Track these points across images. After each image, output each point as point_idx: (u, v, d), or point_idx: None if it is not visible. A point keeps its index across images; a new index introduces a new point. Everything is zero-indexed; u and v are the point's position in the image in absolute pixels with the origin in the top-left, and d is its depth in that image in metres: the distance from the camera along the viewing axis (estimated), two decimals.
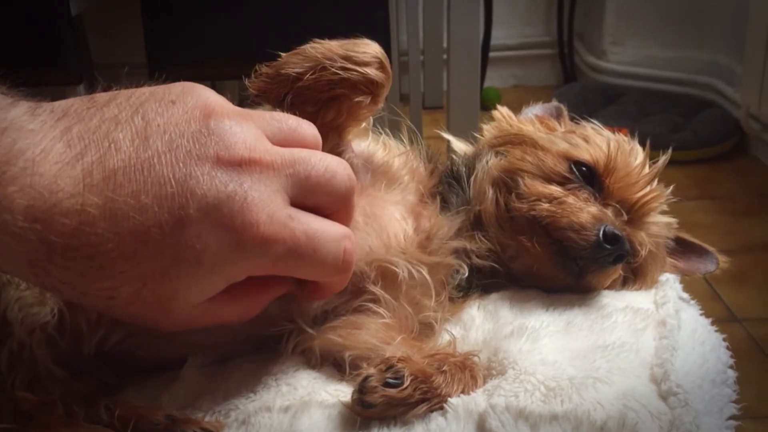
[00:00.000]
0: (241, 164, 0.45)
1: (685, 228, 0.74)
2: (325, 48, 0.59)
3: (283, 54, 0.59)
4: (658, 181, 0.70)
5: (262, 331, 0.59)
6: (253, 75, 0.59)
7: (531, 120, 0.78)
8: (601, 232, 0.63)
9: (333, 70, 0.58)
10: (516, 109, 0.81)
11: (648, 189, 0.68)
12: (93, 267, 0.43)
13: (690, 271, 0.74)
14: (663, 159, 0.71)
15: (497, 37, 3.09)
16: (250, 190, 0.45)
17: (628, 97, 2.91)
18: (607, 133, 0.73)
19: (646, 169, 0.69)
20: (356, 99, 0.59)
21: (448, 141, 0.77)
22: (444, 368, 0.54)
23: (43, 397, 0.52)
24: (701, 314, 0.67)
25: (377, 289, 0.60)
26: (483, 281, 0.67)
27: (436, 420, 0.51)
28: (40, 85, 1.37)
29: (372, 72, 0.59)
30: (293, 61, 0.59)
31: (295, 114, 0.53)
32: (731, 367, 0.62)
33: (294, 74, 0.58)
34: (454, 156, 0.75)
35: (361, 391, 0.51)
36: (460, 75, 1.70)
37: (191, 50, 1.64)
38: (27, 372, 0.53)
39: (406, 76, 2.66)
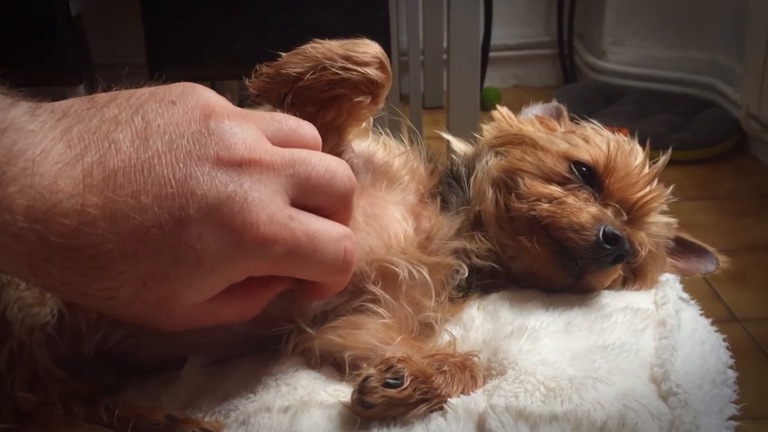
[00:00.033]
0: (241, 164, 0.45)
1: (685, 228, 0.74)
2: (325, 48, 0.59)
3: (283, 54, 0.59)
4: (658, 181, 0.70)
5: (262, 331, 0.59)
6: (253, 75, 0.59)
7: (531, 120, 0.78)
8: (601, 232, 0.63)
9: (333, 70, 0.58)
10: (516, 110, 0.81)
11: (648, 189, 0.68)
12: (93, 267, 0.43)
13: (690, 271, 0.74)
14: (663, 159, 0.71)
15: (497, 37, 3.09)
16: (250, 190, 0.45)
17: (628, 97, 2.91)
18: (606, 133, 0.73)
19: (646, 169, 0.69)
20: (356, 99, 0.59)
21: (448, 141, 0.77)
22: (444, 368, 0.54)
23: (42, 397, 0.52)
24: (701, 314, 0.67)
25: (377, 289, 0.60)
26: (483, 281, 0.67)
27: (436, 420, 0.51)
28: (40, 86, 1.37)
29: (372, 72, 0.59)
30: (293, 61, 0.59)
31: (295, 114, 0.53)
32: (731, 367, 0.62)
33: (294, 74, 0.58)
34: (453, 156, 0.75)
35: (361, 391, 0.51)
36: (460, 75, 1.70)
37: (191, 50, 1.64)
38: (27, 372, 0.53)
39: (406, 76, 2.66)
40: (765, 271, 1.96)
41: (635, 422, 0.49)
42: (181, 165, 0.44)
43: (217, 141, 0.45)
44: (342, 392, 0.54)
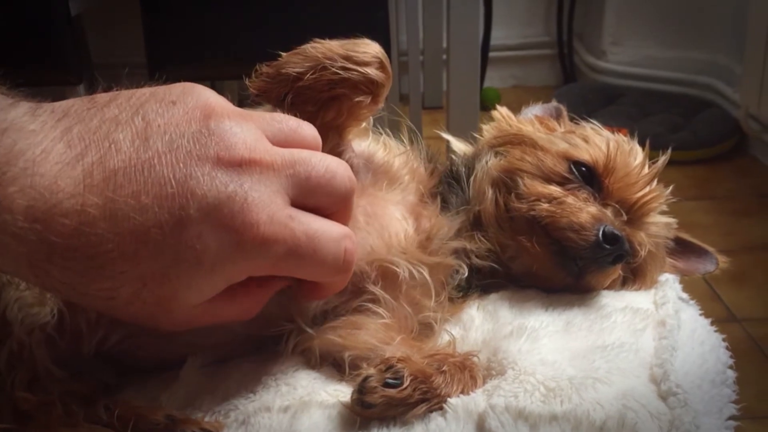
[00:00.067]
0: (241, 165, 0.45)
1: (685, 228, 0.74)
2: (325, 48, 0.59)
3: (283, 54, 0.60)
4: (658, 181, 0.70)
5: (262, 331, 0.59)
6: (253, 75, 0.59)
7: (530, 120, 0.78)
8: (601, 232, 0.63)
9: (333, 69, 0.58)
10: (515, 110, 0.81)
11: (647, 189, 0.68)
12: (93, 267, 0.43)
13: (689, 271, 0.74)
14: (662, 159, 0.71)
15: (497, 37, 3.09)
16: (250, 190, 0.45)
17: (628, 98, 2.91)
18: (606, 133, 0.73)
19: (646, 170, 0.69)
20: (356, 99, 0.59)
21: (448, 141, 0.77)
22: (443, 368, 0.54)
23: (42, 397, 0.52)
24: (701, 314, 0.67)
25: (377, 289, 0.60)
26: (482, 281, 0.67)
27: (436, 420, 0.51)
28: (40, 85, 1.37)
29: (372, 72, 0.59)
30: (294, 61, 0.59)
31: (295, 114, 0.53)
32: (731, 367, 0.62)
33: (294, 74, 0.58)
34: (453, 156, 0.75)
35: (361, 391, 0.51)
36: (460, 75, 1.71)
37: (191, 50, 1.64)
38: (26, 372, 0.53)
39: (405, 77, 2.66)
40: (764, 271, 1.96)
41: (635, 422, 0.49)
42: (181, 165, 0.44)
43: (218, 141, 0.45)
44: (342, 392, 0.54)
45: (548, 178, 0.67)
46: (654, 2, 2.96)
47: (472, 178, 0.70)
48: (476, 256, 0.66)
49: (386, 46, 0.62)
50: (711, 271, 0.74)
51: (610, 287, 0.67)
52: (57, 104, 0.45)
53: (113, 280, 0.44)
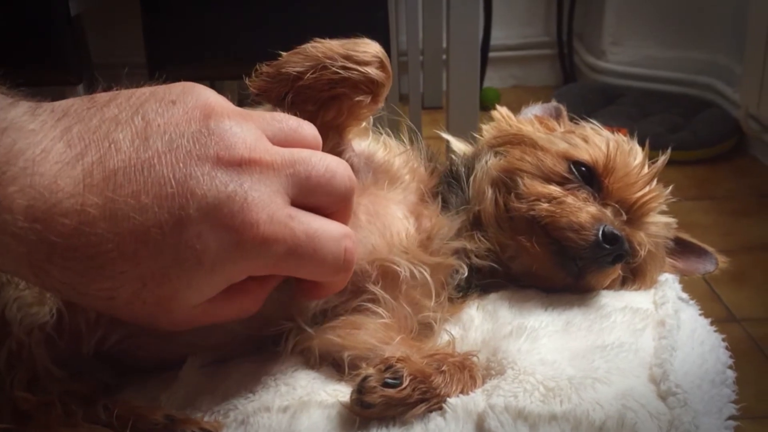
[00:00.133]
0: (241, 164, 0.45)
1: (684, 228, 0.74)
2: (325, 47, 0.59)
3: (283, 53, 0.60)
4: (658, 181, 0.70)
5: (262, 330, 0.59)
6: (253, 74, 0.59)
7: (530, 120, 0.78)
8: (600, 232, 0.63)
9: (334, 69, 0.58)
10: (515, 110, 0.81)
11: (647, 189, 0.68)
12: (93, 267, 0.43)
13: (689, 271, 0.74)
14: (662, 159, 0.71)
15: (497, 37, 3.09)
16: (250, 190, 0.45)
17: (628, 98, 2.91)
18: (606, 133, 0.73)
19: (646, 169, 0.69)
20: (357, 98, 0.59)
21: (448, 141, 0.77)
22: (443, 368, 0.54)
23: (41, 396, 0.52)
24: (700, 314, 0.67)
25: (377, 289, 0.60)
26: (482, 281, 0.67)
27: (435, 420, 0.51)
28: (40, 86, 1.37)
29: (373, 71, 0.59)
30: (294, 60, 0.59)
31: (295, 113, 0.53)
32: (730, 367, 0.62)
33: (295, 73, 0.58)
34: (453, 156, 0.75)
35: (360, 391, 0.51)
36: (460, 75, 1.71)
37: (191, 50, 1.64)
38: (26, 372, 0.53)
39: (405, 76, 2.66)
40: (764, 271, 1.96)
41: (634, 422, 0.49)
42: (181, 165, 0.44)
43: (217, 141, 0.45)
44: (341, 392, 0.54)
45: (548, 178, 0.67)
46: (654, 2, 2.96)
47: (471, 178, 0.70)
48: (476, 256, 0.66)
49: (386, 46, 0.62)
50: (710, 271, 0.74)
51: (609, 287, 0.67)
52: (57, 104, 0.45)
53: (113, 280, 0.44)
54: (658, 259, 0.70)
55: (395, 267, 0.60)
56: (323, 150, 0.51)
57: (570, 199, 0.65)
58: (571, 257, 0.64)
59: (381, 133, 0.69)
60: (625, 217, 0.67)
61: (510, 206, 0.67)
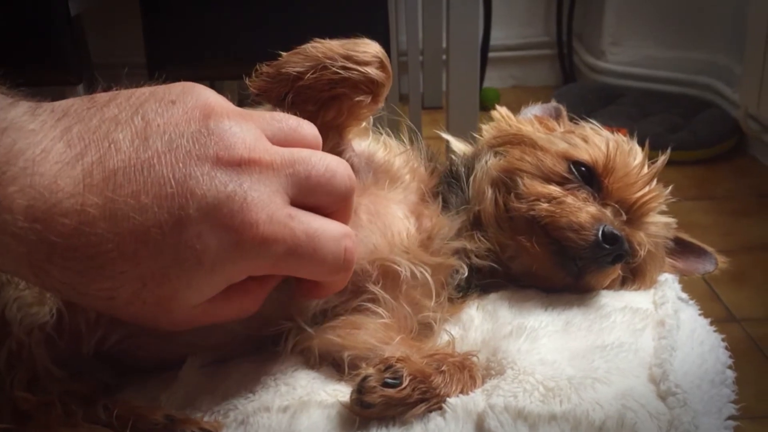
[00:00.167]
0: (240, 164, 0.45)
1: (684, 228, 0.74)
2: (325, 47, 0.59)
3: (283, 53, 0.60)
4: (657, 181, 0.70)
5: (262, 330, 0.59)
6: (253, 74, 0.60)
7: (530, 120, 0.78)
8: (600, 232, 0.63)
9: (334, 69, 0.58)
10: (515, 110, 0.81)
11: (647, 189, 0.68)
12: (93, 267, 0.43)
13: (689, 271, 0.74)
14: (662, 159, 0.71)
15: (496, 37, 3.09)
16: (249, 190, 0.45)
17: (627, 98, 2.91)
18: (606, 133, 0.73)
19: (645, 169, 0.69)
20: (357, 98, 0.59)
21: (447, 141, 0.77)
22: (443, 368, 0.54)
23: (41, 396, 0.52)
24: (700, 314, 0.67)
25: (377, 289, 0.60)
26: (482, 281, 0.67)
27: (435, 420, 0.51)
28: (40, 86, 1.37)
29: (373, 71, 0.59)
30: (294, 61, 0.59)
31: (295, 113, 0.53)
32: (730, 367, 0.62)
33: (295, 73, 0.58)
34: (453, 156, 0.75)
35: (360, 391, 0.51)
36: (459, 75, 1.71)
37: (191, 50, 1.64)
38: (26, 372, 0.53)
39: (405, 77, 2.66)
40: (764, 271, 1.96)
41: (634, 422, 0.49)
42: (180, 165, 0.44)
43: (217, 141, 0.45)
44: (341, 392, 0.54)
45: (548, 178, 0.67)
46: (654, 2, 2.96)
47: (471, 178, 0.70)
48: (476, 256, 0.66)
49: (386, 46, 0.62)
50: (710, 271, 0.74)
51: (609, 287, 0.67)
52: (57, 104, 0.45)
53: (113, 280, 0.44)
54: (657, 259, 0.70)
55: (396, 267, 0.60)
56: (323, 150, 0.51)
57: (570, 199, 0.65)
58: (570, 257, 0.64)
59: (381, 133, 0.69)
60: (624, 217, 0.67)
61: (510, 206, 0.67)
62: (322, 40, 0.59)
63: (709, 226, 2.13)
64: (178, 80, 0.49)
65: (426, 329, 0.62)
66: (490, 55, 3.08)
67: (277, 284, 0.52)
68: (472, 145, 0.76)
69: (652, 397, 0.52)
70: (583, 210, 0.64)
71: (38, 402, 0.52)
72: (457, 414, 0.51)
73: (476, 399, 0.52)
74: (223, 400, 0.55)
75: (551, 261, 0.64)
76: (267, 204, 0.45)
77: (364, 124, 0.65)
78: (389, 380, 0.51)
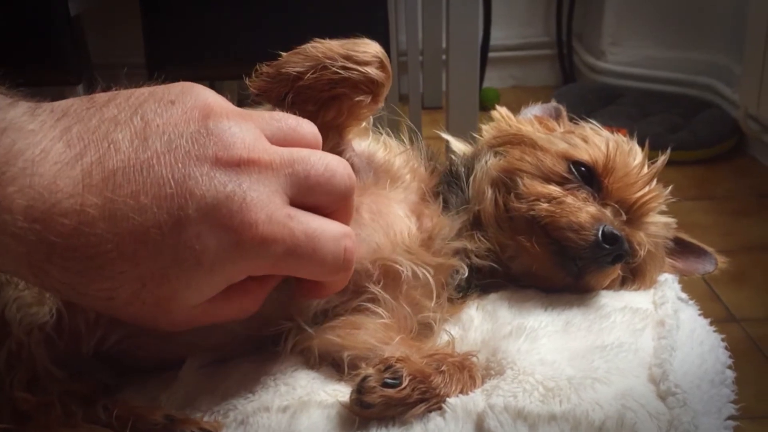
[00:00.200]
0: (239, 164, 0.45)
1: (684, 228, 0.74)
2: (325, 47, 0.59)
3: (283, 53, 0.60)
4: (657, 182, 0.70)
5: (262, 331, 0.59)
6: (253, 74, 0.60)
7: (530, 120, 0.78)
8: (600, 232, 0.63)
9: (334, 69, 0.58)
10: (515, 110, 0.81)
11: (647, 189, 0.68)
12: (92, 267, 0.43)
13: (688, 271, 0.74)
14: (662, 159, 0.71)
15: (496, 37, 3.09)
16: (248, 190, 0.45)
17: (627, 98, 2.91)
18: (605, 133, 0.73)
19: (645, 170, 0.69)
20: (357, 98, 0.59)
21: (447, 141, 0.77)
22: (443, 368, 0.54)
23: (41, 397, 0.52)
24: (700, 314, 0.67)
25: (377, 289, 0.60)
26: (482, 281, 0.67)
27: (435, 420, 0.51)
28: (40, 86, 1.37)
29: (373, 71, 0.59)
30: (294, 61, 0.59)
31: (295, 113, 0.53)
32: (730, 367, 0.62)
33: (295, 73, 0.58)
34: (453, 156, 0.75)
35: (360, 391, 0.51)
36: (459, 75, 1.71)
37: (191, 50, 1.64)
38: (25, 372, 0.53)
39: (405, 77, 2.66)
40: (763, 271, 1.96)
41: (634, 422, 0.49)
42: (179, 165, 0.44)
43: (216, 141, 0.45)
44: (341, 392, 0.54)
45: (547, 178, 0.67)
46: (654, 2, 2.96)
47: (471, 178, 0.70)
48: (476, 256, 0.66)
49: (386, 46, 0.62)
50: (710, 271, 0.74)
51: (609, 287, 0.67)
52: (56, 104, 0.45)
53: (112, 281, 0.44)
54: (657, 259, 0.70)
55: (397, 267, 0.60)
56: (323, 150, 0.51)
57: (570, 199, 0.65)
58: (570, 257, 0.64)
59: (381, 133, 0.69)
60: (624, 217, 0.67)
61: (510, 206, 0.67)
62: (322, 40, 0.59)
63: (709, 226, 2.13)
64: (178, 80, 0.49)
65: (426, 329, 0.62)
66: (490, 55, 3.08)
67: (277, 284, 0.52)
68: (472, 145, 0.76)
69: (652, 397, 0.52)
70: (583, 210, 0.64)
71: (38, 402, 0.52)
72: (457, 414, 0.51)
73: (476, 399, 0.52)
74: (223, 400, 0.55)
75: (551, 261, 0.64)
76: (266, 204, 0.45)
77: (364, 124, 0.65)
78: (389, 380, 0.51)
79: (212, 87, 0.50)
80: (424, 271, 0.61)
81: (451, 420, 0.51)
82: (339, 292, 0.56)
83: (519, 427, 0.49)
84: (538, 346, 0.57)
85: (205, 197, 0.44)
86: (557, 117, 0.80)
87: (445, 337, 0.61)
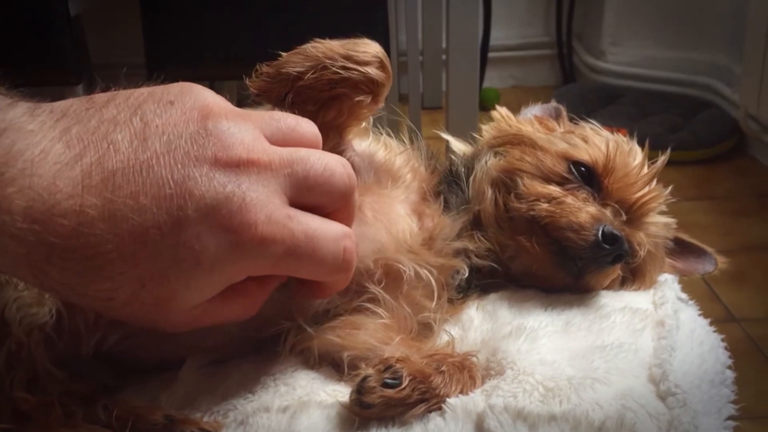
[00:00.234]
0: (239, 165, 0.45)
1: (684, 228, 0.74)
2: (326, 47, 0.59)
3: (283, 53, 0.60)
4: (657, 182, 0.70)
5: (262, 331, 0.59)
6: (253, 74, 0.60)
7: (530, 120, 0.78)
8: (600, 232, 0.63)
9: (334, 69, 0.58)
10: (515, 110, 0.81)
11: (647, 189, 0.68)
12: (92, 268, 0.43)
13: (688, 271, 0.74)
14: (662, 159, 0.71)
15: (496, 37, 3.09)
16: (248, 190, 0.45)
17: (627, 98, 2.91)
18: (605, 133, 0.73)
19: (645, 170, 0.69)
20: (357, 98, 0.59)
21: (447, 141, 0.77)
22: (442, 368, 0.54)
23: (41, 397, 0.52)
24: (700, 314, 0.67)
25: (378, 289, 0.60)
26: (482, 281, 0.67)
27: (435, 420, 0.51)
28: (40, 86, 1.37)
29: (373, 71, 0.59)
30: (294, 61, 0.59)
31: (295, 113, 0.53)
32: (730, 367, 0.62)
33: (295, 73, 0.58)
34: (453, 156, 0.75)
35: (360, 391, 0.51)
36: (459, 75, 1.71)
37: (191, 50, 1.64)
38: (25, 372, 0.53)
39: (405, 77, 2.66)
40: (763, 272, 1.96)
41: (633, 422, 0.49)
42: (179, 166, 0.44)
43: (215, 141, 0.45)
44: (340, 392, 0.54)
45: (547, 178, 0.67)
46: (654, 2, 2.96)
47: (471, 178, 0.70)
48: (476, 256, 0.66)
49: (386, 46, 0.62)
50: (710, 271, 0.74)
51: (609, 287, 0.67)
52: (56, 104, 0.45)
53: (112, 281, 0.44)
54: (657, 260, 0.70)
55: (400, 267, 0.60)
56: (324, 150, 0.51)
57: (570, 199, 0.65)
58: (570, 257, 0.64)
59: (381, 133, 0.69)
60: (624, 217, 0.67)
61: (510, 206, 0.67)
62: (322, 40, 0.59)
63: (709, 226, 2.13)
64: (178, 80, 0.48)
65: (426, 329, 0.62)
66: (490, 55, 3.08)
67: (277, 285, 0.52)
68: (472, 145, 0.76)
69: (652, 397, 0.52)
70: (583, 210, 0.64)
71: (38, 402, 0.52)
72: (457, 414, 0.51)
73: (476, 399, 0.52)
74: (223, 400, 0.55)
75: (551, 261, 0.64)
76: (265, 204, 0.45)
77: (364, 124, 0.65)
78: (389, 380, 0.51)
79: (212, 87, 0.50)
80: (426, 271, 0.61)
81: (451, 420, 0.51)
82: (341, 292, 0.56)
83: (519, 428, 0.49)
84: (538, 346, 0.57)
85: (205, 198, 0.44)
86: (557, 117, 0.80)
87: (445, 338, 0.61)
